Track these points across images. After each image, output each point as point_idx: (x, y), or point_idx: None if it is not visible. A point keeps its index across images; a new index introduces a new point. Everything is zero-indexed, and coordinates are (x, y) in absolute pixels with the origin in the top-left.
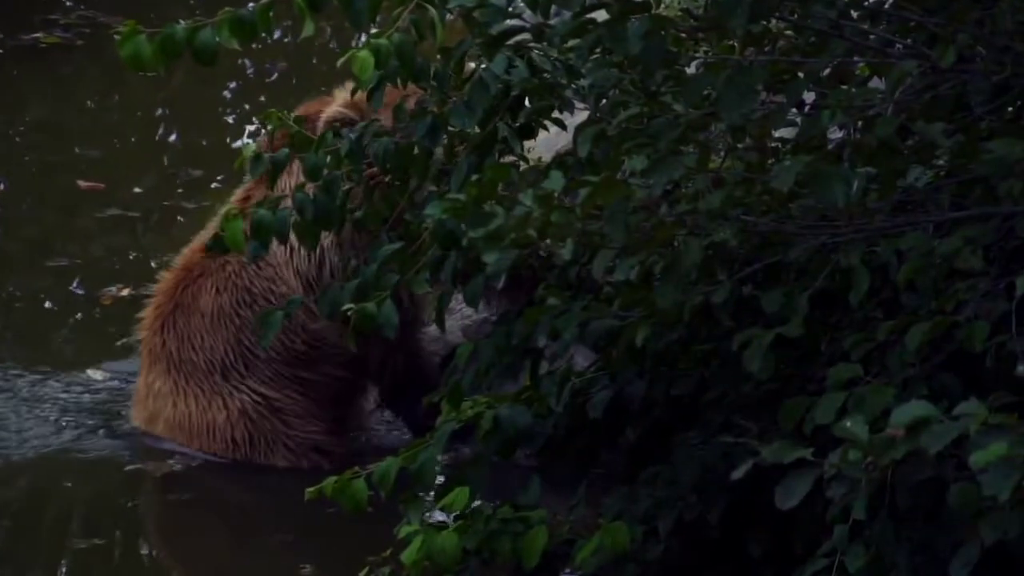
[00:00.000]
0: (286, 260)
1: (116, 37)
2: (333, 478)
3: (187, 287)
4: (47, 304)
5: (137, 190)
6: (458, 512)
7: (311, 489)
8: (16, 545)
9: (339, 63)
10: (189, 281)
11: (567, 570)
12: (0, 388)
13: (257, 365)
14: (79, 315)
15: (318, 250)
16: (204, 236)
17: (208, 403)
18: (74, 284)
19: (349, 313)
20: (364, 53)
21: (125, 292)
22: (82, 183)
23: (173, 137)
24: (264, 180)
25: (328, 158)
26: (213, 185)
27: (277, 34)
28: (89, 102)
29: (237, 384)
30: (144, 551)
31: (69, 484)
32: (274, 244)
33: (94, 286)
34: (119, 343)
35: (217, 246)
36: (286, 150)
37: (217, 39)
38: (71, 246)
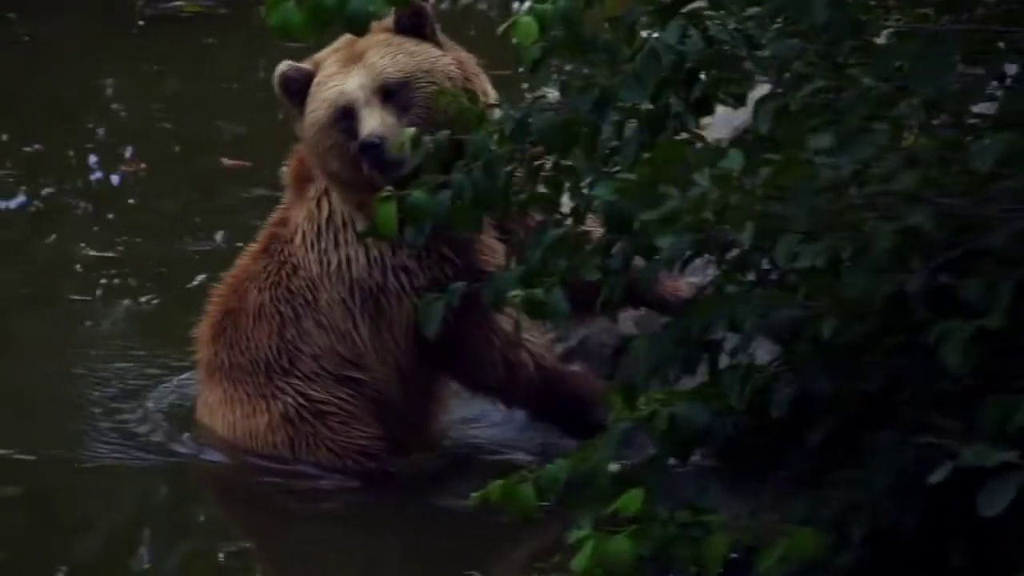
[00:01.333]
0: (320, 266)
1: (262, 4)
2: (499, 482)
3: (234, 292)
4: (187, 285)
5: (285, 169)
6: (632, 516)
7: (476, 494)
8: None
9: (500, 30)
10: (236, 286)
11: None
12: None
13: (302, 360)
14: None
15: (356, 255)
16: (255, 247)
17: (252, 409)
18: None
19: (516, 300)
20: (527, 19)
21: None
22: (226, 161)
23: None
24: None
25: (495, 137)
26: None
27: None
28: (233, 74)
29: (281, 384)
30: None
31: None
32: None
33: None
34: None
35: (370, 231)
36: (447, 132)
37: (371, 6)
38: (214, 224)
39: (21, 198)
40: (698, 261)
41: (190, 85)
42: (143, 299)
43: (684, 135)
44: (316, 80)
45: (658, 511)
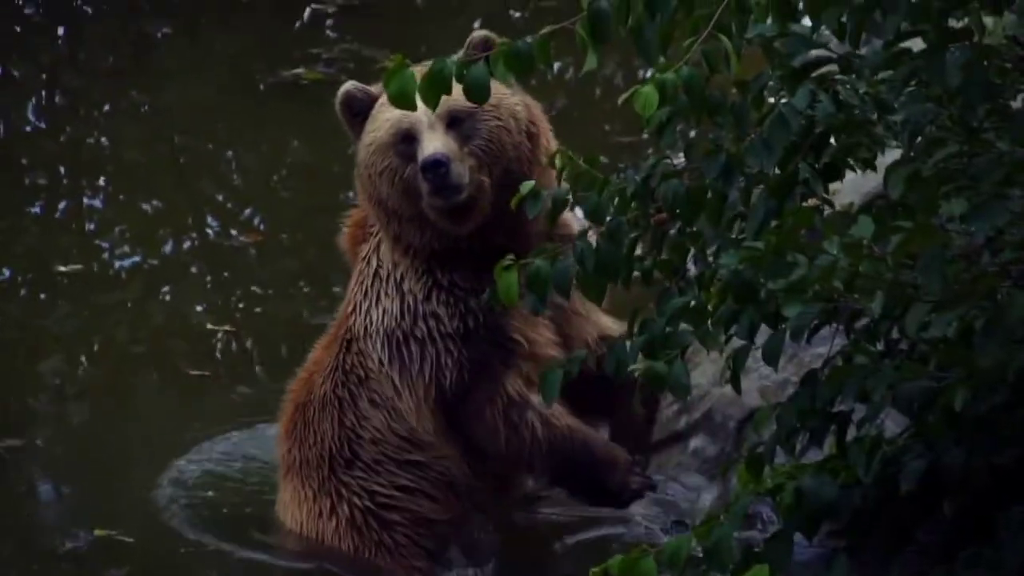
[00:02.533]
0: (364, 328)
1: (382, 72)
2: (619, 556)
3: (304, 385)
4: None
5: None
6: None
7: (595, 569)
8: None
9: (620, 100)
10: (307, 378)
11: None
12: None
13: (363, 448)
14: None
15: (391, 307)
16: (324, 339)
17: (319, 509)
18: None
19: (636, 374)
20: (648, 89)
21: None
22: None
23: None
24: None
25: (615, 200)
26: None
27: (557, 67)
28: (350, 144)
29: (345, 479)
30: None
31: None
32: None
33: None
34: None
35: (492, 299)
36: (567, 186)
37: (491, 74)
38: (334, 296)
39: (136, 258)
40: (826, 330)
41: (310, 153)
42: (257, 370)
43: (813, 201)
44: (380, 102)
45: None
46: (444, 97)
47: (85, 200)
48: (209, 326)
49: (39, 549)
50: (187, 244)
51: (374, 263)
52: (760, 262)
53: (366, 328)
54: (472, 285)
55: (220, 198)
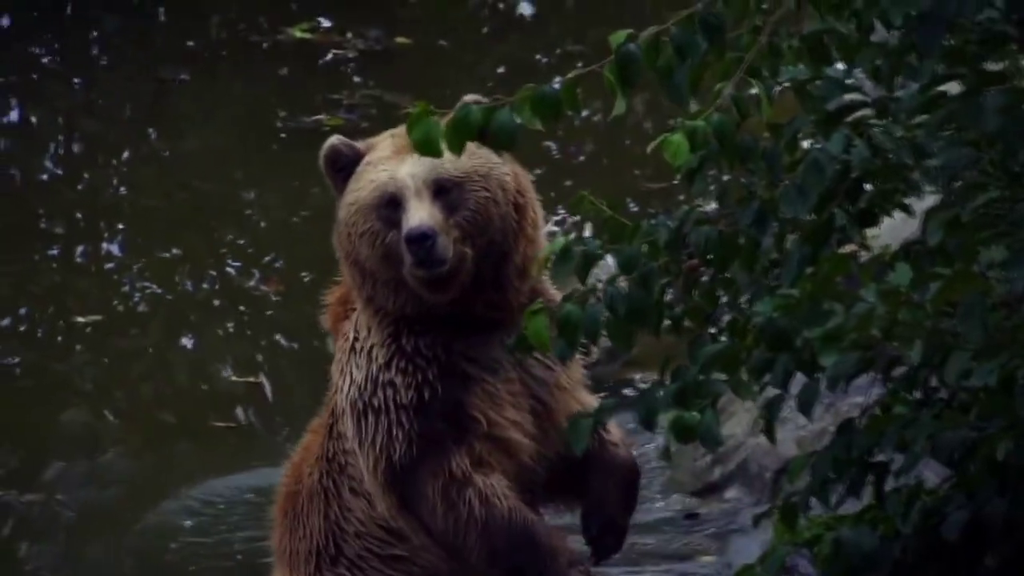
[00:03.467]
0: (340, 406)
1: (405, 118)
2: None
3: (295, 472)
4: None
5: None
6: None
7: None
8: None
9: (649, 148)
10: (298, 465)
11: None
12: None
13: (347, 542)
14: None
15: (356, 376)
16: (316, 421)
17: None
18: None
19: (667, 422)
20: (678, 137)
21: None
22: None
23: None
24: None
25: (644, 248)
26: None
27: (585, 112)
28: None
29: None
30: None
31: None
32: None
33: None
34: None
35: (520, 345)
36: (598, 241)
37: (518, 119)
38: None
39: (156, 306)
40: (863, 379)
41: (331, 199)
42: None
43: (849, 248)
44: (366, 160)
45: None
46: (432, 164)
47: (103, 247)
48: (233, 377)
49: None
50: (208, 291)
51: (351, 336)
52: (795, 310)
53: (341, 407)
54: (436, 354)
55: (240, 244)
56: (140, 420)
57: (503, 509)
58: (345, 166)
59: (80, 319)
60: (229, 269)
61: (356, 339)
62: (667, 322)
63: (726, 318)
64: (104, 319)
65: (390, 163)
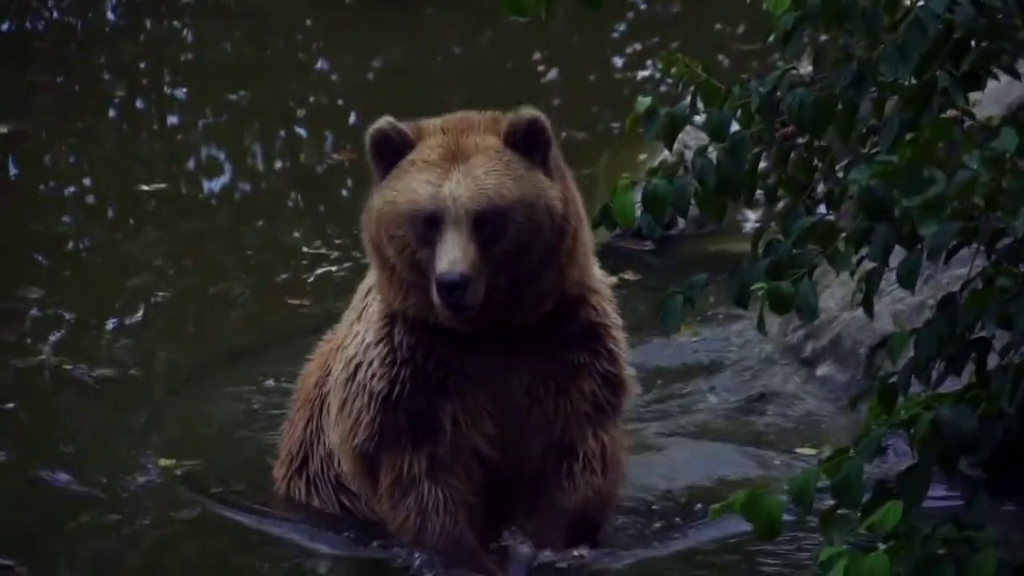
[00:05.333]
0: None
1: None
2: (741, 492)
3: (313, 367)
4: None
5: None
6: (889, 532)
7: (716, 506)
8: None
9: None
10: (317, 361)
11: None
12: None
13: (312, 459)
14: None
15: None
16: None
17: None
18: None
19: (759, 294)
20: None
21: None
22: None
23: (552, 88)
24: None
25: (737, 113)
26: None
27: None
28: (453, 47)
29: (296, 481)
30: None
31: None
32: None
33: None
34: None
35: (605, 220)
36: (685, 104)
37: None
38: None
39: (225, 179)
40: (965, 251)
41: (406, 59)
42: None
43: (951, 112)
44: (411, 157)
45: (919, 526)
46: (477, 188)
47: (167, 105)
48: (304, 248)
49: (119, 482)
50: (278, 158)
51: (368, 285)
52: (894, 178)
53: (343, 353)
54: (414, 357)
55: (312, 104)
56: (210, 292)
57: (436, 524)
58: (391, 154)
59: (145, 187)
60: (300, 132)
61: (369, 293)
62: (760, 193)
63: (821, 188)
64: (169, 188)
65: (435, 173)
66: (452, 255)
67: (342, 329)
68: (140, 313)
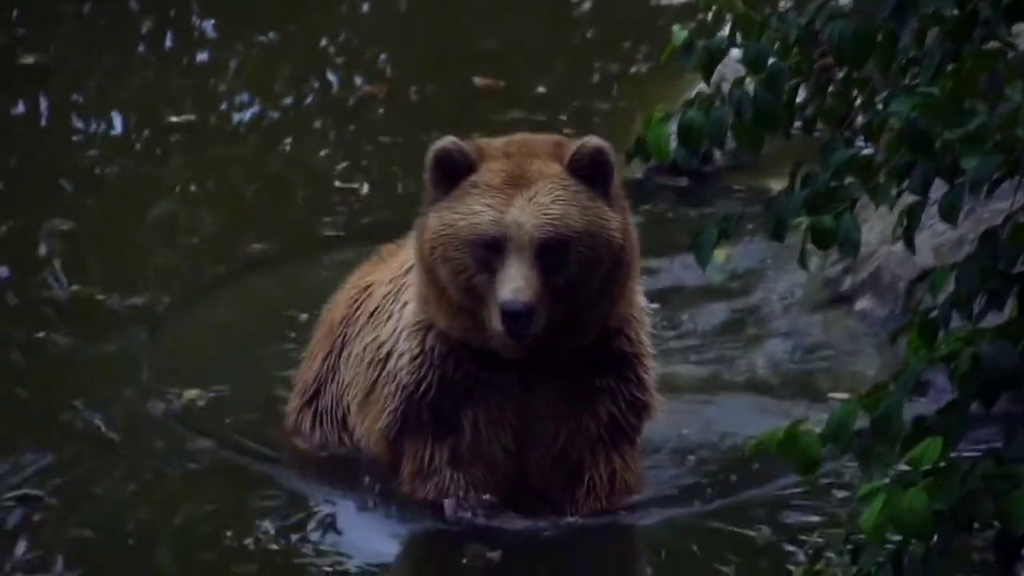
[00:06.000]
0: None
1: None
2: (778, 429)
3: (340, 299)
4: None
5: (541, 90)
6: (928, 468)
7: (751, 443)
8: None
9: None
10: (346, 293)
11: None
12: None
13: (323, 392)
14: None
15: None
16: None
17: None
18: None
19: (802, 228)
20: None
21: None
22: (478, 80)
23: (585, 20)
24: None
25: (775, 45)
26: (633, 77)
27: None
28: None
29: (304, 412)
30: None
31: None
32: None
33: None
34: None
35: (639, 152)
36: (723, 36)
37: None
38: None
39: (255, 109)
40: (1006, 184)
41: None
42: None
43: (994, 44)
44: (473, 180)
45: (958, 462)
46: (542, 215)
47: (195, 35)
48: (336, 183)
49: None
50: (308, 89)
51: (406, 268)
52: (936, 110)
53: (377, 306)
54: (444, 363)
55: (343, 38)
56: (236, 222)
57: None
58: (453, 174)
59: (174, 118)
60: (332, 62)
61: (405, 279)
62: (798, 125)
63: (860, 120)
64: (198, 119)
65: (498, 198)
66: (516, 283)
67: (376, 276)
68: (166, 240)
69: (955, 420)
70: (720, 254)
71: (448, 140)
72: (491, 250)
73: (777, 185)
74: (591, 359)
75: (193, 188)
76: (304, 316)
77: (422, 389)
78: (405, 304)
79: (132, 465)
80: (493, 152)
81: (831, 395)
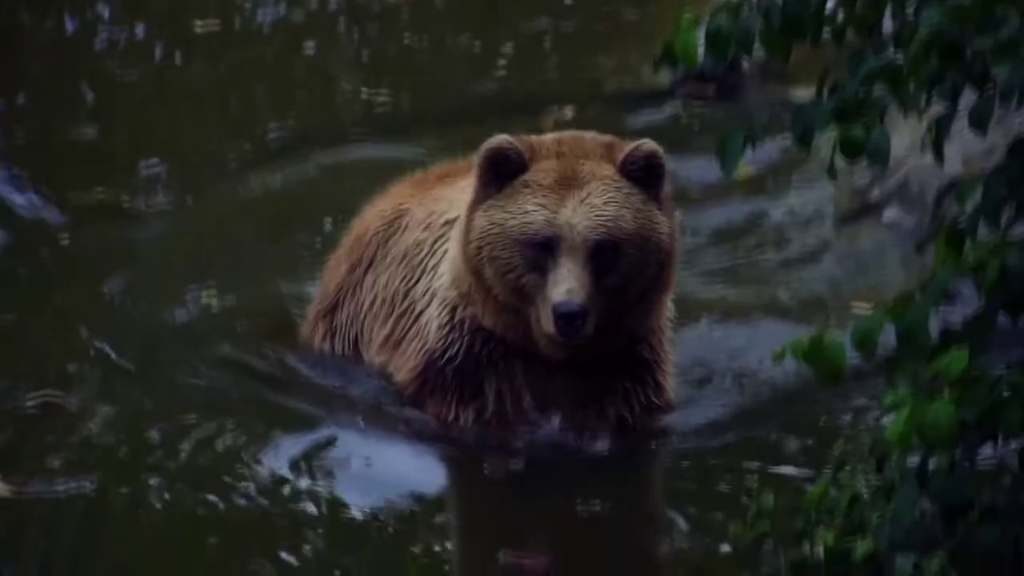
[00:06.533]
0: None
1: None
2: (804, 337)
3: (369, 213)
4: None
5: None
6: (955, 379)
7: (778, 350)
8: None
9: None
10: (376, 206)
11: None
12: None
13: (342, 307)
14: None
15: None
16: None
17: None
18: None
19: (830, 138)
20: None
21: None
22: None
23: None
24: None
25: None
26: None
27: None
28: None
29: (323, 325)
30: None
31: None
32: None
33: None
34: None
35: (667, 58)
36: None
37: None
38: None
39: (282, 10)
40: None
41: None
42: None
43: None
44: (525, 179)
45: (985, 372)
46: (595, 216)
47: None
48: (364, 91)
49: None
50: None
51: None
52: (966, 17)
53: (407, 250)
54: (474, 341)
55: None
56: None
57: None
58: (507, 173)
59: (198, 23)
60: None
61: (442, 232)
62: (827, 33)
63: (891, 28)
64: (222, 25)
65: (551, 197)
66: (569, 284)
67: (412, 204)
68: (188, 148)
69: (981, 331)
70: (744, 169)
71: (502, 138)
72: (542, 250)
73: (805, 95)
74: (610, 361)
75: (215, 93)
76: (328, 221)
77: (447, 356)
78: (438, 264)
79: (149, 370)
80: (544, 151)
81: (855, 305)
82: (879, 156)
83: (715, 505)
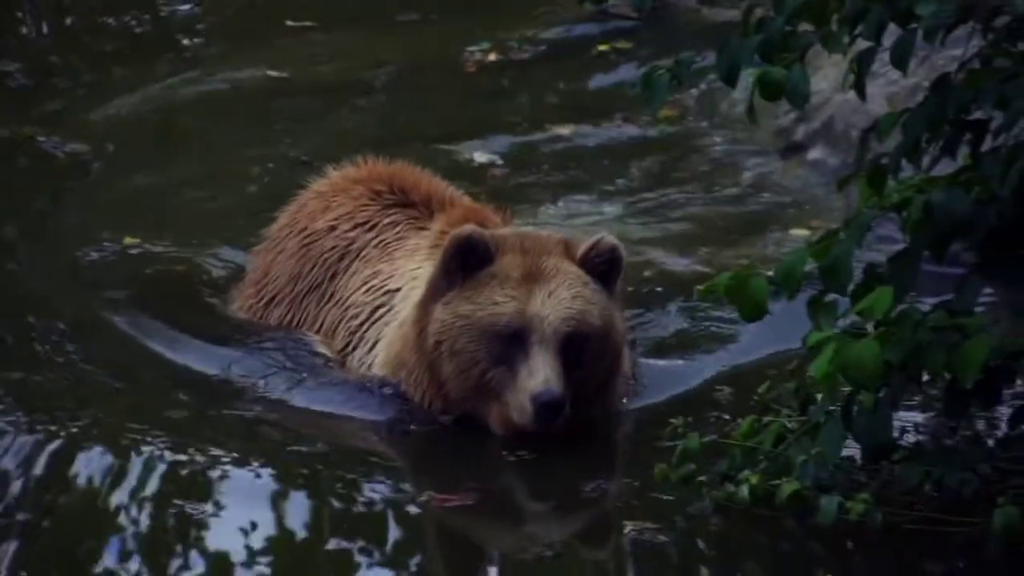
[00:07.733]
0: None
1: None
2: (727, 274)
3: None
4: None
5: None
6: (879, 318)
7: (701, 287)
8: None
9: None
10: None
11: (1011, 388)
12: None
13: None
14: None
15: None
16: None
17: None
18: None
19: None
20: None
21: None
22: None
23: None
24: None
25: None
26: None
27: None
28: None
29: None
30: None
31: None
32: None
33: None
34: None
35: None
36: None
37: None
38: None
39: None
40: (961, 30)
41: None
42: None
43: None
44: (491, 270)
45: (909, 312)
46: (563, 310)
47: None
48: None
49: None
50: None
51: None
52: None
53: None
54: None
55: None
56: None
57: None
58: (474, 263)
59: None
60: None
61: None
62: None
63: None
64: None
65: (519, 290)
66: (547, 373)
67: (361, 233)
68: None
69: (906, 269)
70: (668, 111)
71: (471, 229)
72: (510, 343)
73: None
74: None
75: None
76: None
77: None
78: (376, 340)
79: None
80: (509, 246)
81: (791, 232)
82: (798, 96)
83: (644, 451)
